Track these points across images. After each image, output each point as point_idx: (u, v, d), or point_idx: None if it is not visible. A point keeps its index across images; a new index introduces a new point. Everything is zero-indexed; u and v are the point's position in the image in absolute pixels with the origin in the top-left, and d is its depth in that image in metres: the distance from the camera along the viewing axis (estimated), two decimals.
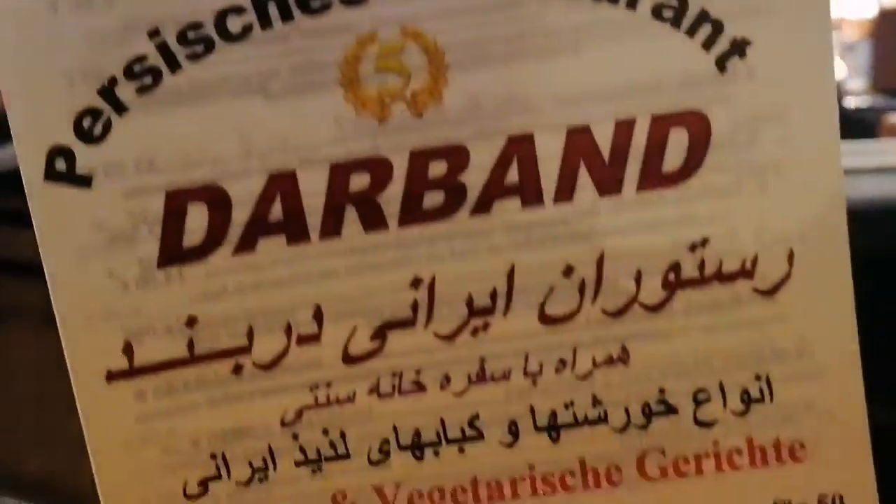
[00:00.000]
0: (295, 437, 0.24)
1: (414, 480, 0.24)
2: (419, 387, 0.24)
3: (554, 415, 0.24)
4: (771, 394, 0.24)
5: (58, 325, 0.22)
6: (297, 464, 0.24)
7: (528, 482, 0.24)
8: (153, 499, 0.24)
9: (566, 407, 0.24)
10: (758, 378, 0.24)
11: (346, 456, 0.24)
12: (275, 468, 0.24)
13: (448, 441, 0.24)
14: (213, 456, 0.24)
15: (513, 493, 0.24)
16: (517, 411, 0.24)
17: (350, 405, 0.24)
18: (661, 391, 0.24)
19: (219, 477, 0.24)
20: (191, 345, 0.23)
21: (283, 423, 0.24)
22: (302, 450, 0.24)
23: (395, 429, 0.24)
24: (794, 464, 0.24)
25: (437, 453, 0.24)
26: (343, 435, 0.24)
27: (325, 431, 0.24)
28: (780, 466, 0.24)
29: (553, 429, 0.24)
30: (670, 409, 0.24)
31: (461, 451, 0.24)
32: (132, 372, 0.23)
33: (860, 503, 0.24)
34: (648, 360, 0.24)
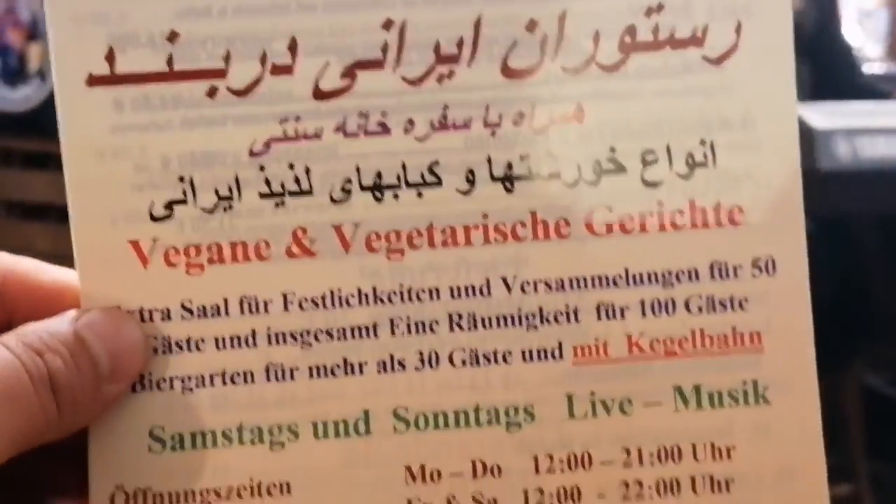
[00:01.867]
0: (261, 168, 0.25)
1: (372, 221, 0.25)
2: (384, 129, 0.25)
3: (510, 166, 0.25)
4: (714, 160, 0.25)
5: (47, 25, 0.23)
6: (262, 196, 0.25)
7: (482, 230, 0.25)
8: (120, 216, 0.25)
9: (522, 159, 0.25)
10: (703, 143, 0.25)
11: (309, 192, 0.25)
12: (239, 198, 0.25)
13: (408, 185, 0.25)
14: (181, 179, 0.25)
15: (466, 240, 0.25)
16: (475, 160, 0.25)
17: (317, 141, 0.25)
18: (612, 150, 0.25)
19: (184, 201, 0.25)
20: (170, 60, 0.24)
21: (251, 153, 0.25)
22: (267, 182, 0.25)
23: (357, 169, 0.25)
24: (731, 227, 0.25)
25: (396, 196, 0.25)
26: (308, 171, 0.25)
27: (291, 166, 0.25)
28: (718, 229, 0.25)
29: (508, 179, 0.25)
30: (620, 168, 0.25)
31: (419, 195, 0.25)
32: (112, 79, 0.24)
33: (790, 266, 0.25)
34: (602, 120, 0.25)
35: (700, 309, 0.25)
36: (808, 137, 0.80)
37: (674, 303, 0.25)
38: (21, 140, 1.02)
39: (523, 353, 0.25)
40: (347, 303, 0.25)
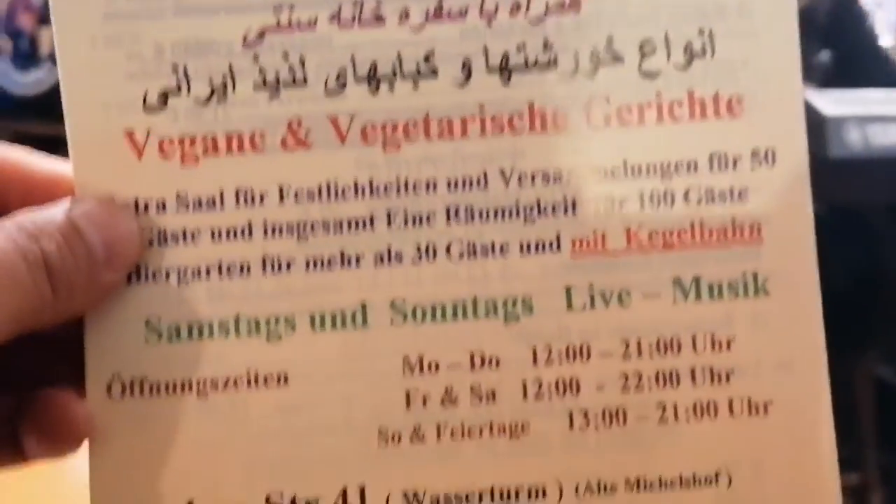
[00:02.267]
0: (255, 58, 0.25)
1: (368, 112, 0.25)
2: (378, 18, 0.25)
3: (506, 56, 0.25)
4: (713, 49, 0.25)
5: None
6: (256, 87, 0.25)
7: (478, 122, 0.25)
8: (113, 105, 0.24)
9: (518, 49, 0.25)
10: (701, 33, 0.25)
11: (304, 83, 0.25)
12: (234, 89, 0.25)
13: (403, 76, 0.25)
14: (175, 68, 0.25)
15: (462, 132, 0.25)
16: (471, 50, 0.25)
17: (311, 31, 0.25)
18: (610, 40, 0.25)
19: (178, 91, 0.25)
20: None
21: (244, 43, 0.25)
22: (261, 72, 0.25)
23: (352, 59, 0.25)
24: (730, 118, 0.25)
25: (391, 87, 0.25)
26: (302, 61, 0.25)
27: (285, 56, 0.25)
28: (717, 120, 0.25)
29: (504, 70, 0.25)
30: (617, 58, 0.25)
31: (415, 86, 0.25)
32: None
33: (790, 156, 0.25)
34: (599, 9, 0.25)
35: (699, 200, 0.25)
36: (819, 125, 0.79)
37: (672, 194, 0.25)
38: (32, 124, 1.02)
39: (521, 245, 0.25)
40: (343, 195, 0.25)
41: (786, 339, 0.25)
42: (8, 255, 0.22)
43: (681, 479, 0.25)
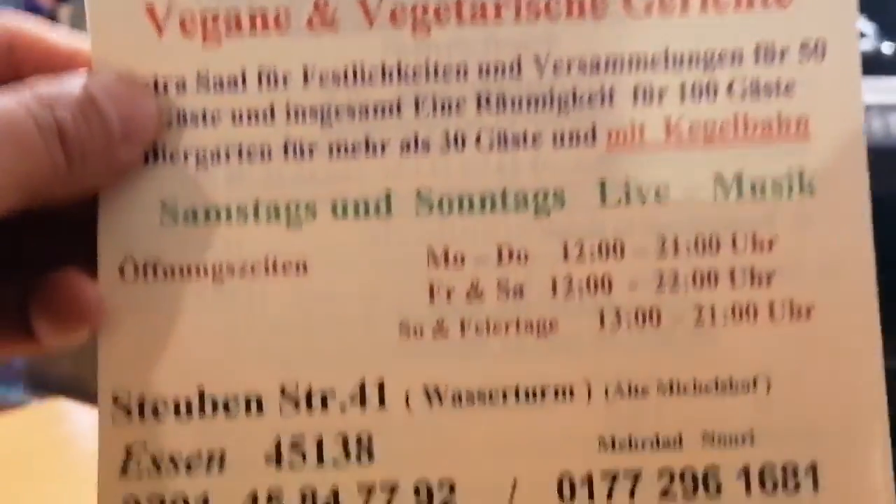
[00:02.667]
0: None
1: None
2: None
3: None
4: None
5: None
6: None
7: (513, 6, 0.24)
8: None
9: None
10: None
11: None
12: None
13: None
14: None
15: (496, 15, 0.24)
16: None
17: None
18: None
19: None
20: None
21: None
22: None
23: None
24: (779, 7, 0.24)
25: None
26: None
27: None
28: (765, 9, 0.24)
29: None
30: None
31: None
32: None
33: (842, 49, 0.24)
34: None
35: (744, 93, 0.24)
36: None
37: (716, 86, 0.24)
38: None
39: (554, 135, 0.24)
40: (370, 79, 0.24)
41: (831, 240, 0.24)
42: (19, 119, 0.21)
43: (717, 383, 0.23)
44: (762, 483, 0.23)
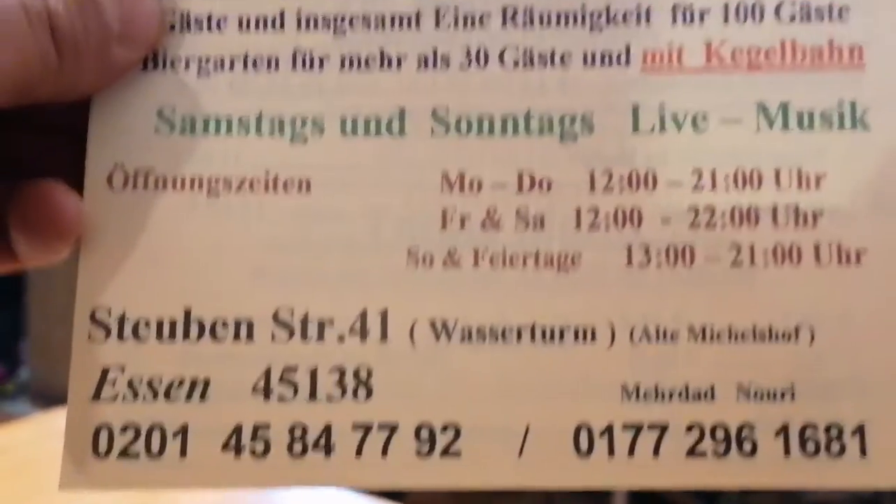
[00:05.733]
0: None
1: None
2: None
3: None
4: None
5: None
6: None
7: None
8: None
9: None
10: None
11: None
12: None
13: None
14: None
15: None
16: None
17: None
18: None
19: None
20: None
21: None
22: None
23: None
24: None
25: None
26: None
27: None
28: None
29: None
30: None
31: None
32: None
33: None
34: None
35: (792, 17, 0.22)
36: None
37: (762, 8, 0.22)
38: None
39: (584, 55, 0.22)
40: None
41: (886, 179, 0.21)
42: (6, 4, 0.20)
43: (754, 330, 0.21)
44: (802, 444, 0.21)
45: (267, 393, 0.21)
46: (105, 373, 0.21)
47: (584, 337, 0.21)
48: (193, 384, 0.21)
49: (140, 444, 0.21)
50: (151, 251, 0.21)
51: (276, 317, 0.21)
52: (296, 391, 0.21)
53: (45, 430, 0.61)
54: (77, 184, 0.22)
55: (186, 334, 0.21)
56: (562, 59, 0.22)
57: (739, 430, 0.21)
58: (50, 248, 0.22)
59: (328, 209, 0.22)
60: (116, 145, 0.22)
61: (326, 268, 0.22)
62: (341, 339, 0.21)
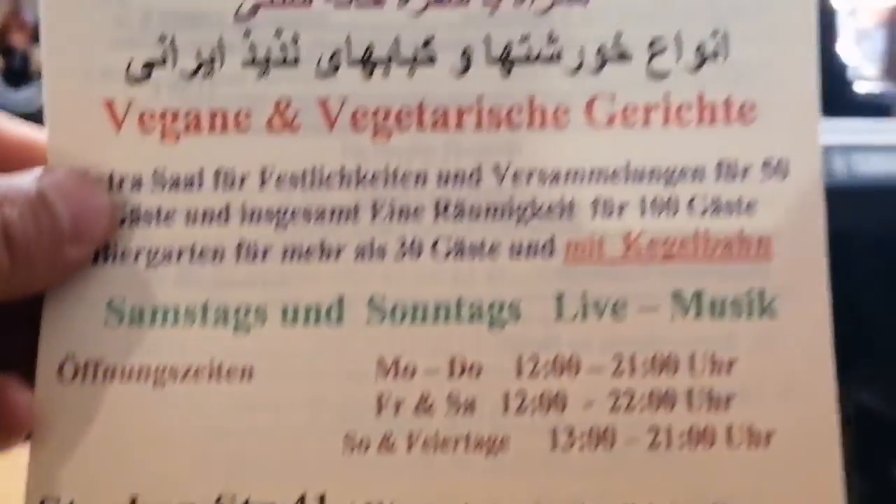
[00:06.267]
0: (247, 34, 0.24)
1: (360, 97, 0.24)
2: (377, 0, 0.24)
3: (508, 47, 0.24)
4: (727, 51, 0.24)
5: None
6: (245, 63, 0.24)
7: (475, 114, 0.24)
8: (95, 72, 0.23)
9: (521, 40, 0.24)
10: (715, 34, 0.24)
11: (295, 63, 0.24)
12: (221, 65, 0.24)
13: (399, 61, 0.24)
14: (163, 38, 0.24)
15: (458, 123, 0.24)
16: (472, 38, 0.24)
17: (306, 9, 0.24)
18: (618, 35, 0.24)
19: (164, 63, 0.24)
20: None
21: (237, 16, 0.24)
22: (252, 48, 0.24)
23: (348, 40, 0.24)
24: (742, 125, 0.24)
25: (386, 72, 0.24)
26: (295, 40, 0.24)
27: (278, 33, 0.24)
28: (727, 126, 0.24)
29: (506, 61, 0.24)
30: (625, 56, 0.24)
31: (411, 73, 0.24)
32: None
33: (804, 168, 0.23)
34: (608, 2, 0.24)
35: (704, 210, 0.23)
36: None
37: (676, 202, 0.23)
38: None
39: (512, 246, 0.23)
40: (328, 182, 0.24)
41: (792, 364, 0.23)
42: None
43: None
44: None
45: None
46: None
47: None
48: None
49: None
50: (99, 442, 0.23)
51: (218, 502, 0.22)
52: None
53: None
54: (30, 372, 0.23)
55: None
56: (491, 249, 0.23)
57: None
58: (1, 443, 0.23)
59: (269, 397, 0.23)
60: (67, 336, 0.23)
61: (267, 455, 0.23)
62: None
